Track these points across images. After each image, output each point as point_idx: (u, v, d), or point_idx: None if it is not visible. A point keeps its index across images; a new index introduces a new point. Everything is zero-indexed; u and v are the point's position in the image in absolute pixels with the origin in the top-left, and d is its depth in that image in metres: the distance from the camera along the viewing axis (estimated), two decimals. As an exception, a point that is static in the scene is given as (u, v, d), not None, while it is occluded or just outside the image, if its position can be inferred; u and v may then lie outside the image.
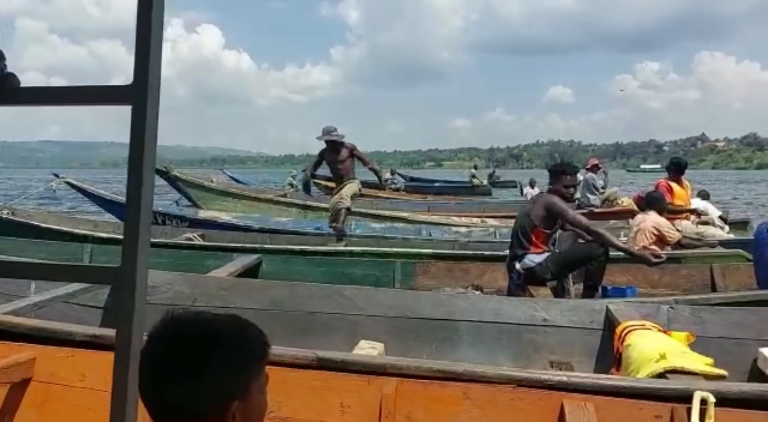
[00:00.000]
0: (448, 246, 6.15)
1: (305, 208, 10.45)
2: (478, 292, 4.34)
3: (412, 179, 27.92)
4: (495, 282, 4.69)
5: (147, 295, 2.97)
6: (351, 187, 6.82)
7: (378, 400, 2.13)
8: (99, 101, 1.08)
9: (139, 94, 1.00)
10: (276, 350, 2.25)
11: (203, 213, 8.87)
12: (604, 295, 4.22)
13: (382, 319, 3.29)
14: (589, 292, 4.20)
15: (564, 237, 4.55)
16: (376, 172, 7.32)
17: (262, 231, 7.25)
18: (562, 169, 4.36)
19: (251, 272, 4.87)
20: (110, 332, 2.39)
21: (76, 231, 6.27)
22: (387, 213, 9.67)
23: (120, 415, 0.89)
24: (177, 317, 1.04)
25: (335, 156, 6.80)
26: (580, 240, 4.47)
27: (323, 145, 6.94)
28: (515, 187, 23.88)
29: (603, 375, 2.33)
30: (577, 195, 9.89)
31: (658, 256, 4.19)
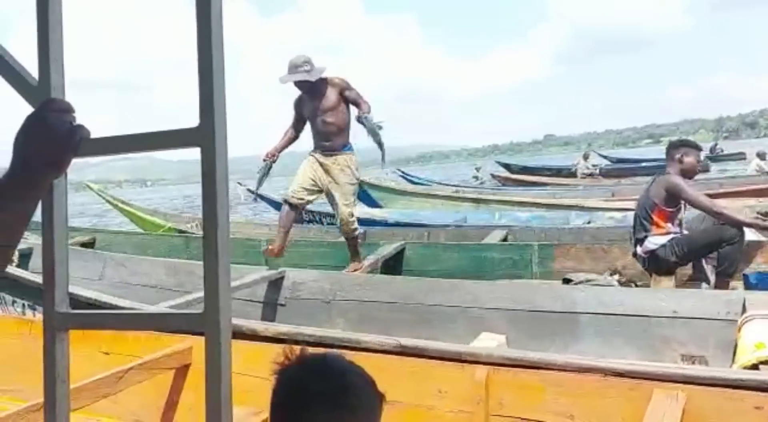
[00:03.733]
0: (589, 231, 6.14)
1: (477, 201, 10.78)
2: (615, 277, 4.39)
3: (618, 160, 26.62)
4: (636, 265, 4.62)
5: (296, 290, 3.63)
6: (346, 185, 4.75)
7: (471, 386, 2.43)
8: (168, 146, 1.13)
9: (206, 135, 1.03)
10: (362, 337, 2.69)
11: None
12: (746, 283, 3.99)
13: (504, 312, 3.56)
14: (721, 279, 4.04)
15: (699, 219, 4.41)
16: (366, 127, 4.71)
17: (409, 225, 7.65)
18: (679, 144, 4.33)
19: (395, 259, 5.42)
20: (258, 325, 2.96)
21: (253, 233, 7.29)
22: (532, 199, 9.63)
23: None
24: (321, 365, 1.13)
25: (317, 105, 4.64)
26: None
27: (295, 95, 4.80)
28: (743, 158, 21.70)
29: (696, 366, 2.41)
30: None
31: None
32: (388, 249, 5.43)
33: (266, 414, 2.71)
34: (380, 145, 4.80)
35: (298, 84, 4.63)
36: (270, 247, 4.84)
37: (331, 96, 4.63)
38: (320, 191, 4.86)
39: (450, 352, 2.53)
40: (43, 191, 1.00)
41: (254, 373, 2.57)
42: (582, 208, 8.37)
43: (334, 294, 3.99)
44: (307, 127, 4.90)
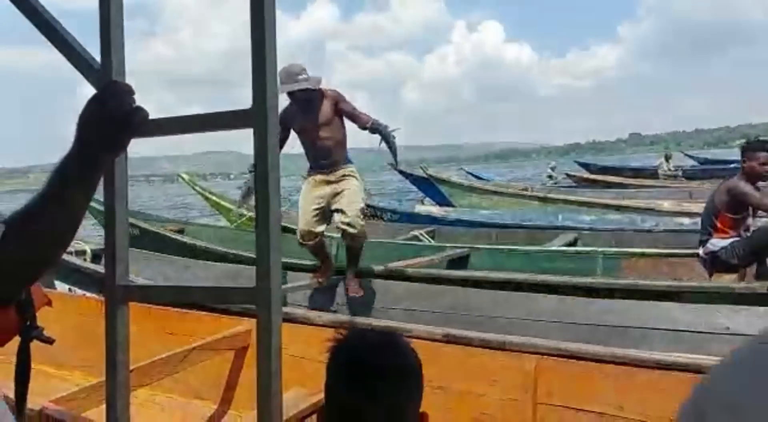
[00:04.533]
0: (658, 236, 5.99)
1: (545, 200, 10.69)
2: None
3: (706, 161, 25.52)
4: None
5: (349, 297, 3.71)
6: (353, 187, 4.32)
7: (520, 375, 2.47)
8: (222, 127, 1.17)
9: (260, 117, 1.05)
10: (411, 326, 2.76)
11: (418, 208, 9.53)
12: None
13: (551, 324, 3.58)
14: None
15: None
16: (382, 134, 4.41)
17: (475, 224, 7.69)
18: (745, 146, 4.27)
19: (459, 264, 5.46)
20: (311, 313, 3.09)
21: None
22: (601, 200, 9.48)
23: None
24: (386, 340, 1.16)
25: (312, 119, 4.25)
26: None
27: (285, 103, 4.32)
28: None
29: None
30: None
31: None
32: (452, 255, 5.48)
33: (321, 396, 2.85)
34: (395, 151, 4.52)
35: (295, 95, 4.19)
36: (318, 279, 4.44)
37: (327, 109, 4.27)
38: (325, 210, 4.38)
39: (494, 342, 2.58)
40: (103, 169, 1.06)
41: (310, 356, 2.69)
42: (652, 211, 8.20)
43: (384, 302, 4.09)
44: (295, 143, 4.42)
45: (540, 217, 8.58)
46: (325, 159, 4.32)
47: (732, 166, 20.82)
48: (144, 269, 4.79)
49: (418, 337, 2.66)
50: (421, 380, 1.13)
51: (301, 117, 4.25)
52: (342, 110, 4.32)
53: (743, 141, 5.00)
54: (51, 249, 0.99)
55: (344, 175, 4.34)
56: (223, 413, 2.74)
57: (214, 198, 10.02)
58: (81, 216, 0.99)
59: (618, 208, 8.92)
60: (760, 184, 4.23)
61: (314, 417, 2.65)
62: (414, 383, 1.11)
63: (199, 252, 5.79)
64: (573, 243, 6.09)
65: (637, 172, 20.23)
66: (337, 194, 4.29)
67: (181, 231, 7.49)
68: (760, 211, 4.36)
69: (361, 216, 4.26)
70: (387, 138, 4.39)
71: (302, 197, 4.40)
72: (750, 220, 4.29)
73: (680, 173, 18.63)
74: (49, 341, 1.33)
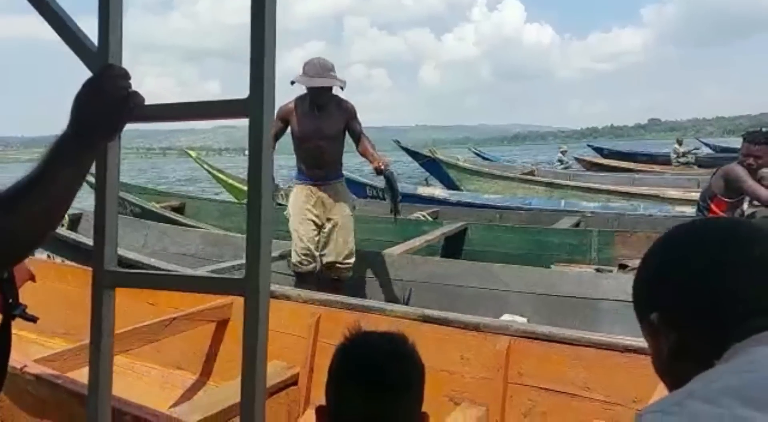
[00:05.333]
0: (659, 219, 6.04)
1: (550, 185, 10.72)
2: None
3: (722, 149, 25.23)
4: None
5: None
6: (348, 217, 4.07)
7: (492, 355, 2.52)
8: (218, 116, 1.17)
9: (255, 107, 1.04)
10: (389, 306, 2.81)
11: (421, 189, 9.55)
12: None
13: (527, 296, 3.68)
14: None
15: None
16: (390, 182, 4.06)
17: (475, 206, 7.78)
18: (743, 136, 4.38)
19: (457, 239, 5.56)
20: (291, 291, 3.13)
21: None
22: (607, 187, 9.55)
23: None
24: (393, 336, 1.19)
25: (323, 126, 3.92)
26: None
27: (295, 93, 4.01)
28: None
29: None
30: None
31: None
32: (450, 229, 5.57)
33: (298, 369, 2.91)
34: (396, 201, 4.18)
35: (316, 92, 3.84)
36: None
37: (340, 120, 3.94)
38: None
39: (470, 324, 2.63)
40: (97, 152, 1.07)
41: (288, 331, 2.76)
42: (657, 198, 8.23)
43: (365, 272, 4.17)
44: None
45: (544, 202, 8.63)
46: (321, 169, 4.01)
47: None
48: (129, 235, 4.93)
49: (395, 316, 2.72)
50: (423, 383, 1.15)
51: (309, 120, 3.90)
52: (351, 128, 4.00)
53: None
54: (39, 229, 0.99)
55: (338, 196, 4.05)
56: (201, 383, 2.82)
57: (220, 175, 10.12)
58: (71, 197, 1.00)
59: (623, 195, 8.96)
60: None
61: (292, 388, 2.74)
62: (419, 388, 1.14)
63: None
64: (577, 225, 6.14)
65: (651, 158, 20.10)
66: (330, 222, 4.01)
67: (182, 207, 7.62)
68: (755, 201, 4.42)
69: (351, 250, 4.05)
70: (393, 187, 4.09)
71: (296, 213, 4.01)
72: (745, 206, 4.44)
73: (693, 160, 18.44)
74: (33, 319, 1.37)
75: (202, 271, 3.56)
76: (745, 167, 4.21)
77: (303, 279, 3.95)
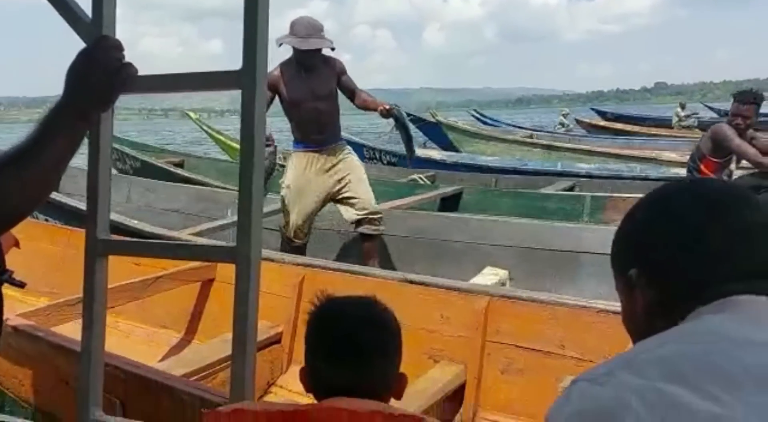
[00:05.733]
0: (651, 187, 6.13)
1: (548, 148, 10.74)
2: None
3: (725, 113, 24.93)
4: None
5: (319, 221, 3.84)
6: (364, 179, 3.89)
7: (471, 314, 2.58)
8: (210, 87, 1.19)
9: (248, 78, 1.06)
10: (371, 270, 2.86)
11: (418, 151, 9.55)
12: None
13: (510, 249, 3.77)
14: None
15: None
16: (400, 121, 3.94)
17: (471, 168, 7.80)
18: (733, 96, 4.47)
19: (452, 202, 5.62)
20: (275, 254, 3.17)
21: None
22: (605, 149, 9.60)
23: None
24: (366, 302, 1.20)
25: (314, 88, 3.75)
26: None
27: (284, 55, 3.82)
28: None
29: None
30: None
31: None
32: (445, 191, 5.64)
33: (281, 328, 2.97)
34: (410, 140, 4.11)
35: (306, 54, 3.66)
36: None
37: (331, 79, 3.79)
38: (324, 203, 3.90)
39: (452, 287, 2.68)
40: (91, 123, 1.08)
41: (272, 291, 2.80)
42: (654, 161, 8.25)
43: (349, 226, 4.15)
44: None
45: (540, 164, 8.62)
46: (321, 134, 3.81)
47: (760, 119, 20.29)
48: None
49: (378, 278, 2.77)
50: (401, 346, 1.16)
51: (299, 83, 3.72)
52: (343, 83, 3.85)
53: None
54: (30, 196, 1.00)
55: (342, 155, 3.85)
56: (187, 341, 2.88)
57: (219, 136, 10.17)
58: (64, 166, 1.01)
59: (621, 157, 8.96)
60: (761, 134, 4.34)
61: (275, 346, 2.80)
62: (395, 351, 1.15)
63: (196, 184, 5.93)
64: (570, 190, 6.17)
65: (654, 122, 19.99)
66: (341, 181, 3.81)
67: (181, 164, 7.67)
68: (744, 161, 4.49)
69: (374, 202, 3.85)
70: (406, 126, 3.94)
71: (294, 182, 3.80)
72: (733, 166, 4.48)
73: (695, 123, 18.29)
74: (21, 285, 1.39)
75: (189, 231, 3.60)
76: (734, 127, 4.26)
77: (294, 252, 3.71)
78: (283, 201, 3.83)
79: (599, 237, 3.57)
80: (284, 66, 3.78)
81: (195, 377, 2.31)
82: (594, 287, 3.29)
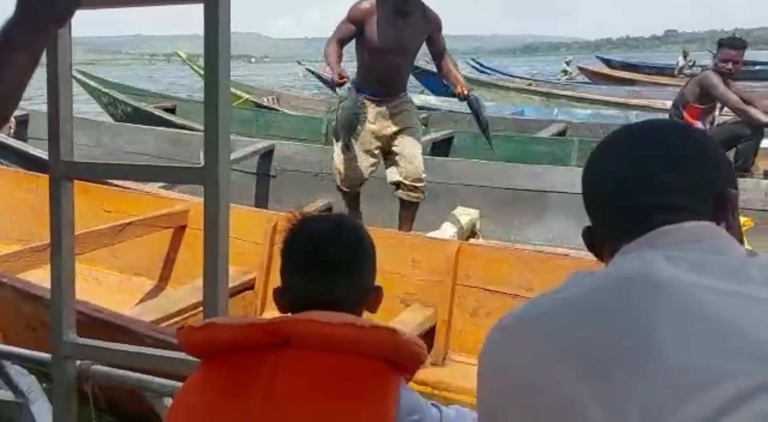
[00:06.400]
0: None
1: (546, 95, 10.66)
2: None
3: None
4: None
5: (285, 163, 3.80)
6: (418, 141, 3.56)
7: (442, 259, 2.59)
8: (172, 1, 1.20)
9: None
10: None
11: (414, 99, 9.48)
12: None
13: (481, 189, 3.89)
14: (738, 173, 4.05)
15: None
16: (475, 110, 3.53)
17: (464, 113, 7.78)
18: (720, 42, 4.48)
19: (444, 145, 5.62)
20: (247, 209, 3.17)
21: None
22: (602, 97, 9.55)
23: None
24: (335, 218, 1.20)
25: (401, 36, 3.36)
26: None
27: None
28: None
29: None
30: None
31: None
32: (436, 136, 5.58)
33: (254, 274, 2.97)
34: (485, 131, 3.64)
35: None
36: None
37: (424, 31, 3.41)
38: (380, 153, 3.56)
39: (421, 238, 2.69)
40: (49, 37, 1.04)
41: (244, 237, 2.81)
42: (650, 109, 8.15)
43: (322, 167, 4.15)
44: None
45: (537, 111, 8.60)
46: (389, 87, 3.47)
47: (757, 67, 19.56)
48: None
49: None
50: (374, 258, 1.16)
51: (391, 29, 3.31)
52: (434, 43, 3.50)
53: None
54: None
55: (403, 108, 3.51)
56: (160, 288, 2.91)
57: None
58: (24, 84, 0.98)
59: (618, 105, 8.90)
60: (752, 84, 4.37)
61: (248, 292, 2.82)
62: (366, 265, 1.15)
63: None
64: (562, 134, 6.15)
65: (658, 71, 19.68)
66: (397, 134, 3.48)
67: (173, 109, 7.61)
68: (726, 109, 4.46)
69: (421, 166, 3.49)
70: (479, 116, 3.54)
71: (349, 123, 3.33)
72: (716, 113, 4.47)
73: (699, 71, 17.88)
74: None
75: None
76: (723, 72, 4.26)
77: (348, 200, 3.60)
78: (340, 146, 3.46)
79: (566, 176, 3.66)
80: (380, 2, 3.32)
81: (165, 323, 2.34)
82: (564, 225, 3.36)
